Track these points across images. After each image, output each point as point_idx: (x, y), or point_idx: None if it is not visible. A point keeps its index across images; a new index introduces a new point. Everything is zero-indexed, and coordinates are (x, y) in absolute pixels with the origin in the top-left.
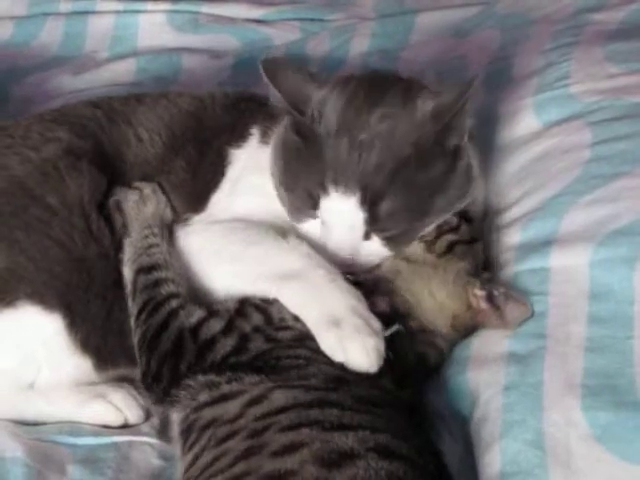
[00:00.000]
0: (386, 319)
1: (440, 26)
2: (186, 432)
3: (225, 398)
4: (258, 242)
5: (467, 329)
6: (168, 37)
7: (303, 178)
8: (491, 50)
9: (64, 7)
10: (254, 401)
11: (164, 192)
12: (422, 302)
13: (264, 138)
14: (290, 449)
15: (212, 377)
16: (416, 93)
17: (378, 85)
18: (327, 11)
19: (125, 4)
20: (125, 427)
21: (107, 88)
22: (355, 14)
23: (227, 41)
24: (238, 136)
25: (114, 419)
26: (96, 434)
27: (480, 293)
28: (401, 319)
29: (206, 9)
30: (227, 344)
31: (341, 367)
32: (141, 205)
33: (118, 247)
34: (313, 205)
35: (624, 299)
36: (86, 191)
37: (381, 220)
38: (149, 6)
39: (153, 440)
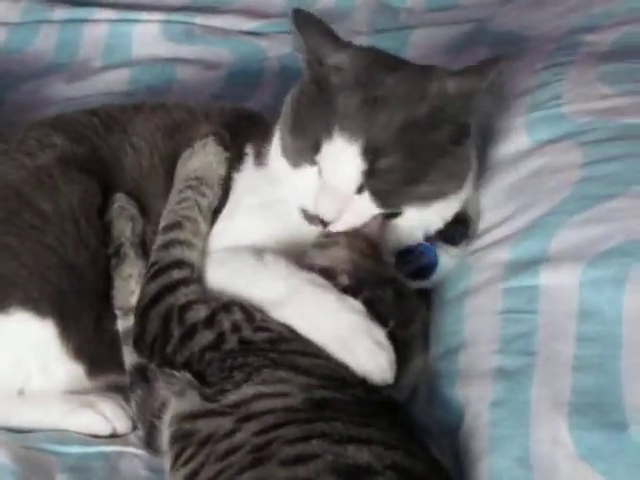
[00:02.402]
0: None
1: (434, 43)
2: (179, 443)
3: (216, 413)
4: (239, 272)
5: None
6: (162, 47)
7: (311, 122)
8: None
9: (58, 14)
10: (246, 418)
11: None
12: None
13: (258, 159)
14: (302, 459)
15: (195, 381)
16: (432, 67)
17: (397, 57)
18: None
19: (119, 13)
20: (113, 437)
21: (101, 97)
22: (349, 28)
23: (221, 53)
24: (236, 156)
25: (102, 428)
26: (84, 443)
27: None
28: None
29: (200, 20)
30: (205, 337)
31: (309, 372)
32: (187, 160)
33: (112, 254)
34: (315, 149)
35: (612, 319)
36: (76, 197)
37: (378, 173)
38: (143, 16)
39: (140, 451)
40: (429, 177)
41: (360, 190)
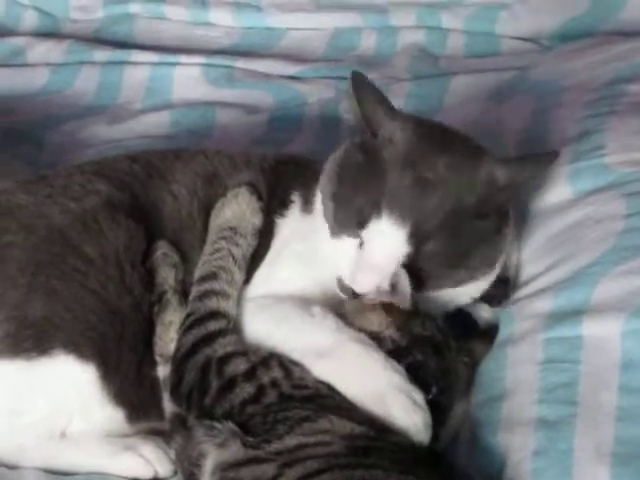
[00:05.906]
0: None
1: (474, 89)
2: None
3: (259, 460)
4: (285, 319)
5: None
6: (202, 91)
7: (358, 194)
8: (525, 115)
9: (99, 56)
10: (289, 464)
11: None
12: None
13: (305, 206)
14: None
15: (238, 430)
16: (480, 152)
17: (446, 132)
18: (362, 70)
19: (160, 56)
20: None
21: (140, 140)
22: (390, 74)
23: (261, 97)
24: (280, 203)
25: (144, 472)
26: None
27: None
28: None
29: (241, 64)
30: (245, 390)
31: (350, 419)
32: (220, 210)
33: (155, 301)
34: (360, 223)
35: None
36: (122, 243)
37: (421, 257)
38: (184, 59)
39: None
40: (468, 263)
41: None
